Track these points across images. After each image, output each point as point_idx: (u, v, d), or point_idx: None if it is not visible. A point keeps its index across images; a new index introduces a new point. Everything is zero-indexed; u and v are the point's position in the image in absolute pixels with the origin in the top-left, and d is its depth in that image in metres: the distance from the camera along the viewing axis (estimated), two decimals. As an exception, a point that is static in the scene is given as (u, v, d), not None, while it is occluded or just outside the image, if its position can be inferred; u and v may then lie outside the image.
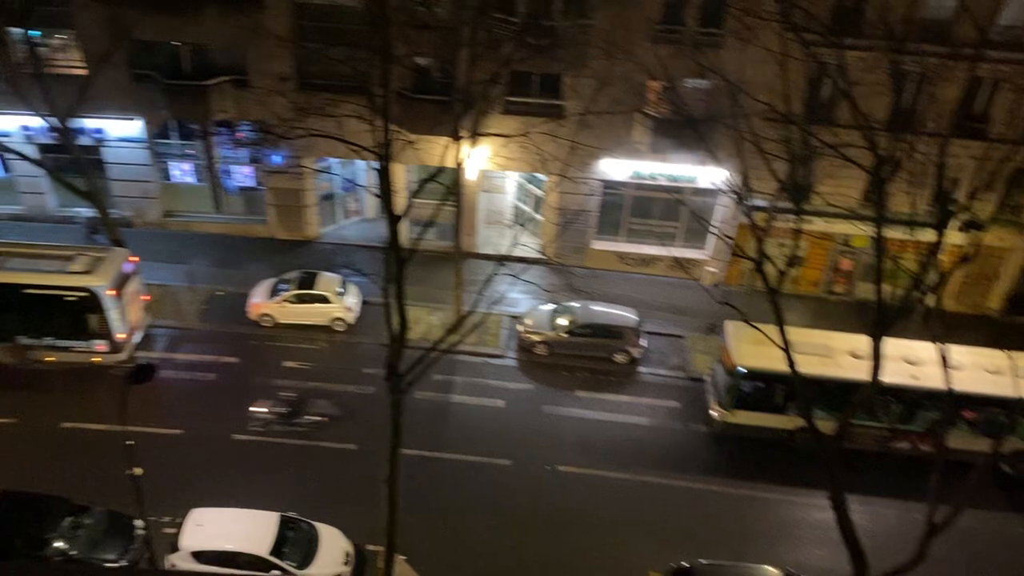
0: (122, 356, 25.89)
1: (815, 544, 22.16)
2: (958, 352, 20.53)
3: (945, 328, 14.82)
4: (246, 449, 23.64)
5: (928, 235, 15.24)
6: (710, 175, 20.75)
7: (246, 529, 19.91)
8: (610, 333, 27.80)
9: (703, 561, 20.19)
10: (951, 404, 15.78)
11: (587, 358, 27.88)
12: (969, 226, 18.31)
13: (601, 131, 27.35)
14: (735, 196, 17.34)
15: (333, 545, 20.30)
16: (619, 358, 27.90)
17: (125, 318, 25.71)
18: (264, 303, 28.31)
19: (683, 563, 20.16)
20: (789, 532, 22.70)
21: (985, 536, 22.46)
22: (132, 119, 30.34)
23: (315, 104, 21.13)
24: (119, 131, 30.62)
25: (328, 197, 33.64)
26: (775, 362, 17.44)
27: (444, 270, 28.60)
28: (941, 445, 15.25)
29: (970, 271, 29.18)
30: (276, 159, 30.64)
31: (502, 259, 16.21)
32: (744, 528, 22.51)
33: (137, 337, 26.83)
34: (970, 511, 15.70)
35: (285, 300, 28.18)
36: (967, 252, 15.44)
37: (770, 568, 20.22)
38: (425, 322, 28.55)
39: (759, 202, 22.85)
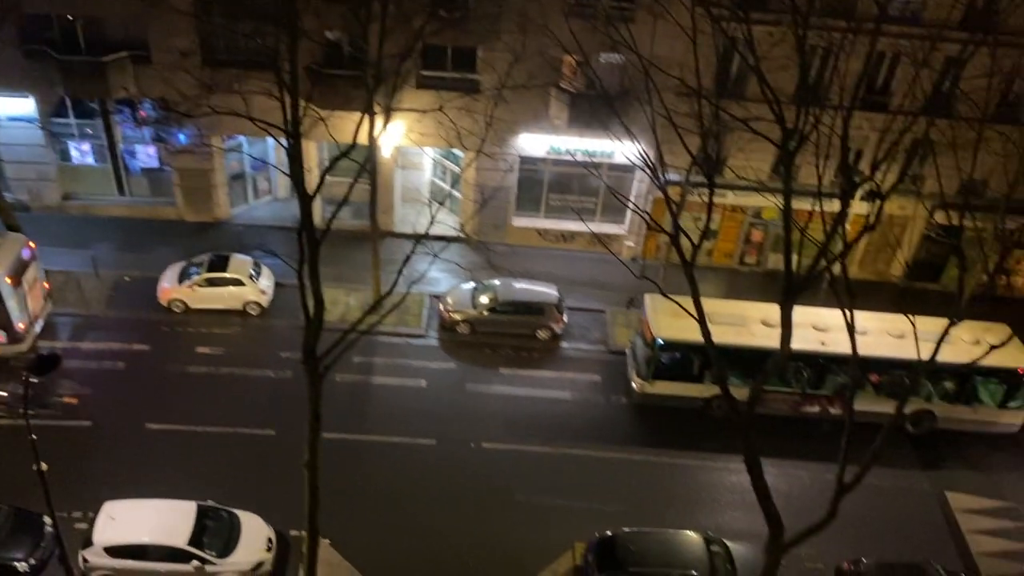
0: (23, 347, 24.76)
1: (733, 507, 22.85)
2: (863, 318, 21.32)
3: (851, 295, 15.30)
4: (161, 439, 22.93)
5: (834, 206, 15.69)
6: (626, 150, 20.93)
7: (162, 520, 19.40)
8: (532, 310, 27.90)
9: (625, 529, 20.59)
10: (858, 368, 16.35)
11: (510, 335, 27.93)
12: (872, 196, 18.94)
13: (517, 106, 27.26)
14: (650, 171, 17.47)
15: (255, 532, 19.96)
16: (541, 334, 28.05)
17: (24, 307, 24.54)
18: (174, 288, 27.38)
19: (607, 532, 20.51)
20: (708, 497, 23.33)
21: (892, 493, 23.57)
22: (24, 97, 28.73)
23: (221, 80, 20.44)
24: (10, 110, 28.96)
25: (238, 177, 32.66)
26: (692, 333, 17.77)
27: (361, 250, 28.23)
28: (849, 408, 15.81)
29: (873, 239, 30.31)
30: (181, 138, 29.52)
31: (420, 237, 15.98)
32: (665, 495, 23.03)
33: (38, 326, 25.65)
34: (877, 470, 16.37)
35: (196, 284, 27.30)
36: (870, 221, 15.91)
37: (690, 533, 20.77)
38: (343, 303, 28.11)
39: (674, 176, 23.19)
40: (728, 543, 20.75)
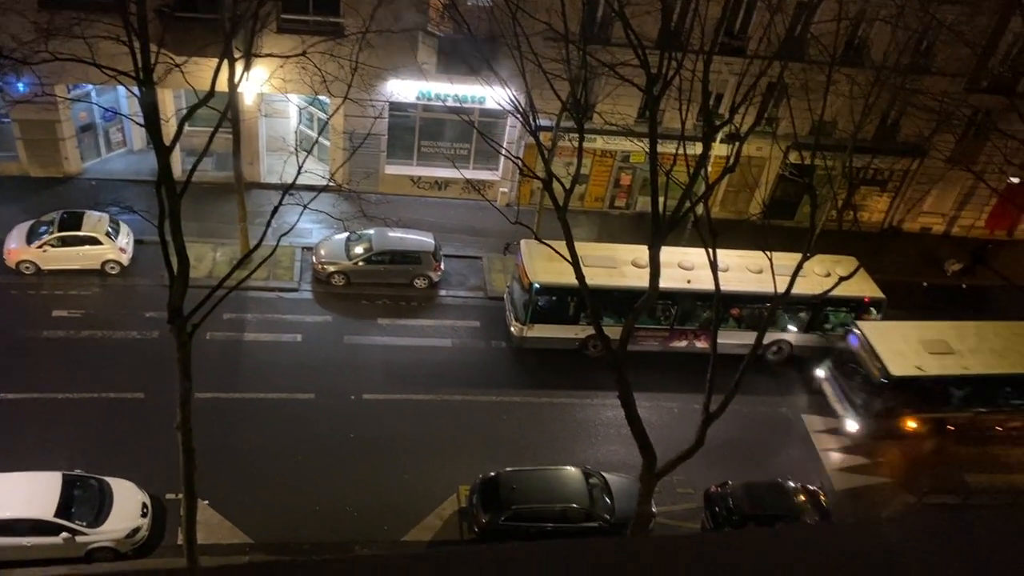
0: None
1: (609, 441, 23.81)
2: (725, 256, 22.39)
3: (713, 234, 16.02)
4: (19, 409, 21.63)
5: (696, 148, 16.27)
6: (497, 96, 20.90)
7: (24, 493, 18.50)
8: (408, 259, 27.73)
9: (508, 469, 21.12)
10: (720, 304, 17.20)
11: (386, 285, 27.72)
12: (731, 138, 19.74)
13: (384, 51, 26.58)
14: (521, 117, 17.54)
15: (128, 499, 19.33)
16: (419, 283, 27.97)
17: None
18: (22, 248, 25.58)
19: (489, 473, 20.98)
20: (586, 433, 24.20)
21: (756, 419, 25.13)
22: None
23: (60, 24, 18.94)
24: None
25: (88, 128, 30.59)
26: (566, 276, 18.19)
27: (226, 202, 27.17)
28: (713, 341, 16.67)
29: (733, 180, 31.67)
30: (19, 87, 27.27)
31: (289, 188, 15.52)
32: (546, 434, 23.72)
33: None
34: (741, 398, 17.41)
35: (47, 244, 25.60)
36: (730, 163, 16.61)
37: (570, 468, 21.53)
38: (209, 259, 27.08)
39: (544, 122, 23.36)
40: (606, 475, 21.65)
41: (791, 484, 22.08)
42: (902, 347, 24.40)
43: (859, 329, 25.05)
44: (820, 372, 26.48)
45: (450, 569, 2.27)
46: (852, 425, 24.76)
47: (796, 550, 2.41)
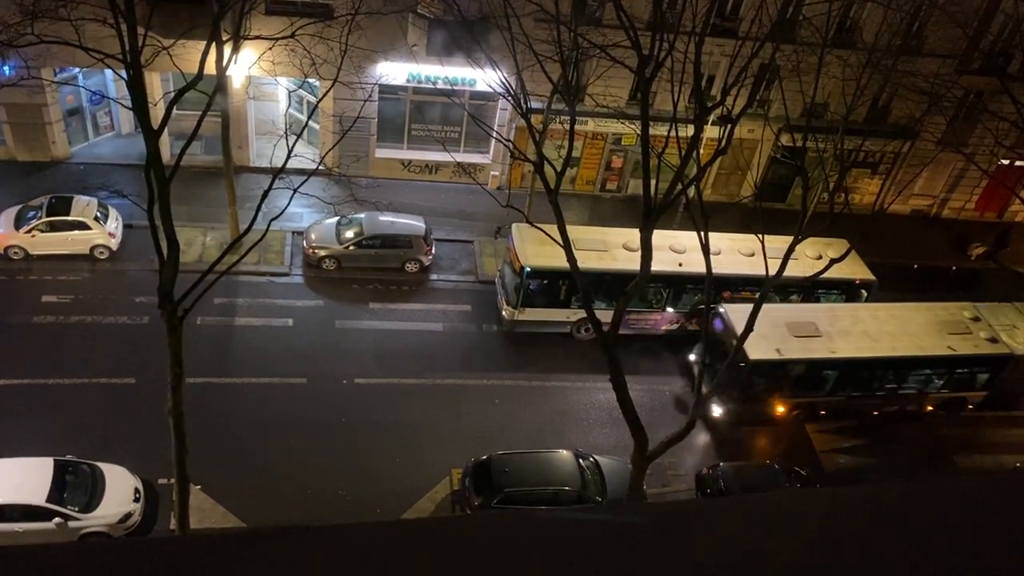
0: None
1: (601, 424, 23.87)
2: (717, 239, 22.40)
3: (705, 217, 16.01)
4: (9, 395, 21.53)
5: (688, 131, 16.23)
6: (487, 78, 20.77)
7: (16, 479, 18.46)
8: (399, 243, 27.65)
9: (500, 452, 21.17)
10: (712, 286, 17.22)
11: (377, 269, 27.65)
12: (723, 120, 19.69)
13: (374, 33, 26.37)
14: (512, 99, 17.46)
15: (120, 484, 19.31)
16: (410, 267, 27.91)
17: None
18: (10, 234, 25.39)
19: (482, 457, 21.03)
20: (577, 416, 24.25)
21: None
22: None
23: (46, 5, 18.70)
24: None
25: (75, 112, 30.31)
26: (558, 260, 18.17)
27: (216, 187, 27.01)
28: (705, 324, 16.71)
29: (725, 163, 31.65)
30: (5, 70, 26.97)
31: (279, 172, 15.45)
32: (538, 417, 23.78)
33: None
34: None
35: (35, 229, 25.41)
36: (722, 145, 16.59)
37: (562, 451, 21.60)
38: (199, 243, 26.94)
39: (535, 104, 23.25)
40: (598, 457, 21.74)
41: (776, 465, 22.24)
42: (767, 330, 22.67)
43: (723, 311, 24.07)
44: (691, 355, 25.38)
45: (447, 536, 2.26)
46: (716, 410, 23.80)
47: (787, 514, 2.41)
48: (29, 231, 25.38)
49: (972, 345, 24.80)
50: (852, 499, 2.57)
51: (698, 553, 2.23)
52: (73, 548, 2.14)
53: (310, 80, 25.83)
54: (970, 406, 25.98)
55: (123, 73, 13.86)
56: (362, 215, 27.56)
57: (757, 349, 22.32)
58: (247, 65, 27.28)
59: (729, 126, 16.39)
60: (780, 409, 24.32)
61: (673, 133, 15.51)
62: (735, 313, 23.49)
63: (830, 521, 2.37)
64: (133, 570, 2.05)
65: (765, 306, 20.12)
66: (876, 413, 25.18)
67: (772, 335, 23.15)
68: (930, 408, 25.68)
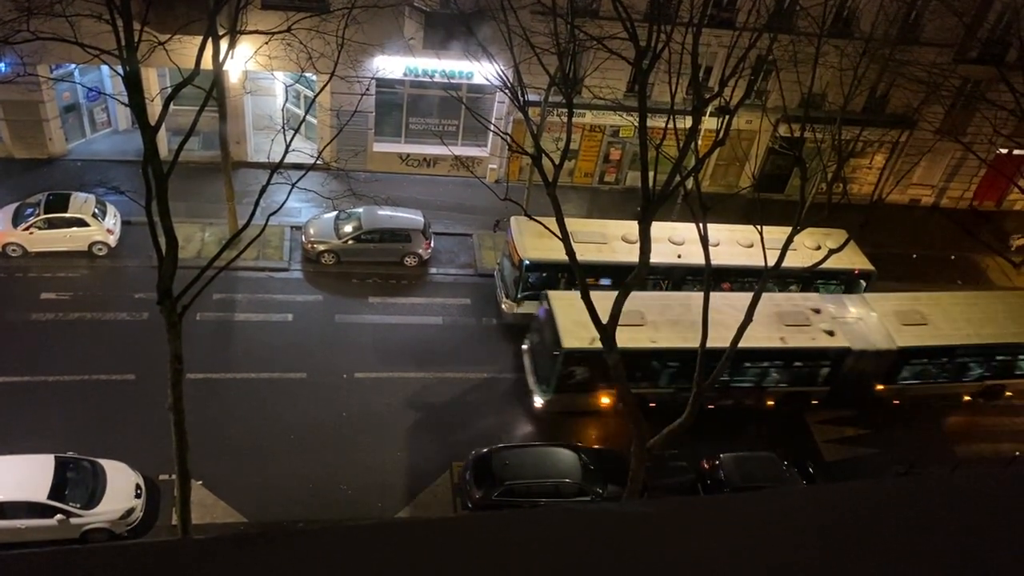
0: None
1: (600, 416, 23.85)
2: (716, 230, 22.40)
3: (704, 209, 16.01)
4: (9, 392, 21.55)
5: (686, 122, 16.21)
6: (485, 71, 20.77)
7: (18, 476, 18.49)
8: (398, 236, 27.64)
9: (500, 445, 21.22)
10: (711, 278, 17.21)
11: (376, 263, 27.64)
12: (721, 111, 19.67)
13: (370, 26, 26.29)
14: (509, 92, 17.43)
15: (121, 480, 19.34)
16: (409, 261, 27.90)
17: None
18: (8, 231, 25.36)
19: (482, 450, 21.07)
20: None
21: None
22: None
23: (40, 2, 18.65)
24: None
25: (72, 109, 30.24)
26: (556, 252, 18.16)
27: (214, 182, 26.97)
28: (704, 315, 16.70)
29: (723, 154, 31.61)
30: (1, 67, 26.92)
31: (277, 167, 15.43)
32: (537, 410, 23.70)
33: None
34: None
35: (33, 226, 25.39)
36: (720, 136, 16.57)
37: (562, 444, 21.65)
38: (198, 239, 26.92)
39: (533, 97, 23.21)
40: (598, 449, 21.78)
41: (777, 456, 22.27)
42: (587, 318, 22.20)
43: (548, 299, 23.21)
44: (524, 344, 24.73)
45: (447, 534, 2.26)
46: (537, 400, 23.03)
47: (786, 511, 2.42)
48: (27, 228, 25.36)
49: (808, 338, 23.53)
50: (849, 495, 2.58)
51: (696, 549, 2.24)
52: (53, 554, 2.13)
53: (307, 75, 25.78)
54: (814, 402, 24.66)
55: (119, 69, 13.82)
56: (360, 209, 27.54)
57: (572, 337, 21.57)
58: (244, 60, 27.27)
59: (727, 117, 16.37)
60: (604, 400, 23.16)
61: (671, 125, 15.48)
62: (558, 301, 22.80)
63: (827, 517, 2.38)
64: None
65: (601, 294, 19.38)
66: (711, 407, 23.58)
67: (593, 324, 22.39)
68: (771, 403, 24.48)
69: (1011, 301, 26.88)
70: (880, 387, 25.01)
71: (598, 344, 20.80)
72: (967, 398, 26.18)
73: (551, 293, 23.55)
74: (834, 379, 24.20)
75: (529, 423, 23.48)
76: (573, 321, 21.62)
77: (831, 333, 23.69)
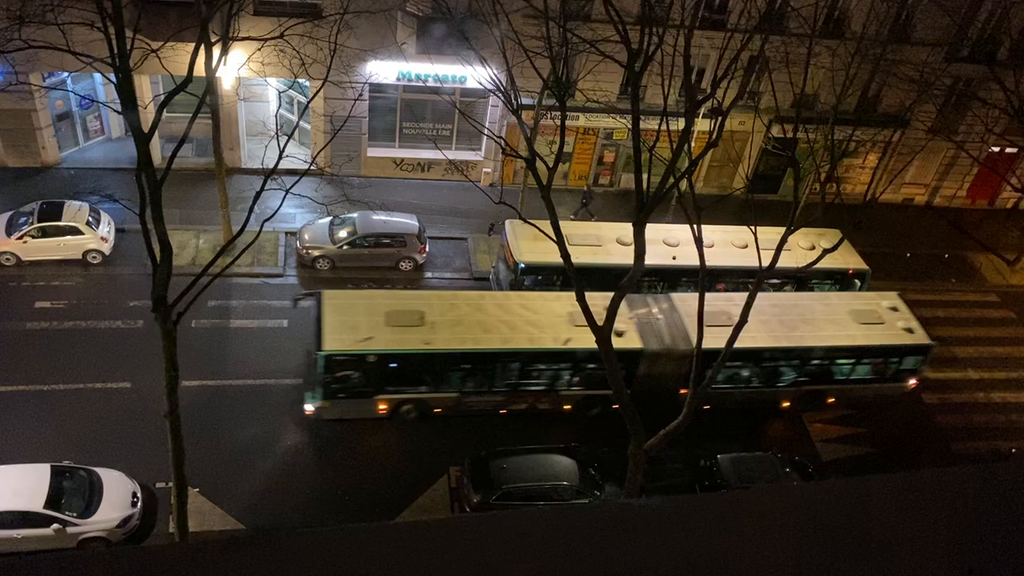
0: None
1: (597, 417, 23.85)
2: (710, 231, 22.41)
3: (698, 210, 16.04)
4: (4, 401, 21.46)
5: (679, 124, 16.25)
6: (478, 75, 20.83)
7: (13, 485, 18.41)
8: (393, 241, 27.64)
9: (498, 449, 21.19)
10: (706, 279, 17.23)
11: (372, 268, 27.62)
12: (714, 113, 19.73)
13: (363, 32, 26.38)
14: (502, 96, 17.46)
15: (118, 488, 19.28)
16: (404, 265, 27.90)
17: None
18: (1, 240, 25.30)
19: (480, 453, 21.05)
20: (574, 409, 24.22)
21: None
22: None
23: (33, 10, 18.64)
24: None
25: (64, 117, 30.20)
26: (552, 255, 18.17)
27: (208, 189, 26.95)
28: (700, 315, 16.72)
29: (716, 155, 31.68)
30: (-7, 76, 26.87)
31: (270, 173, 15.43)
32: (534, 413, 23.67)
33: None
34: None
35: (27, 235, 25.33)
36: (713, 137, 16.61)
37: (559, 446, 21.61)
38: (192, 246, 26.90)
39: (526, 100, 23.24)
40: (595, 451, 21.75)
41: (773, 455, 22.29)
42: (359, 319, 21.30)
43: (319, 299, 21.97)
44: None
45: (446, 537, 2.27)
46: (307, 406, 21.63)
47: (781, 509, 2.43)
48: (20, 237, 25.30)
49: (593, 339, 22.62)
50: (845, 491, 2.59)
51: (691, 548, 2.25)
52: (47, 560, 2.12)
53: (300, 80, 25.81)
54: (615, 406, 22.64)
55: (112, 77, 13.82)
56: (355, 214, 27.55)
57: (335, 339, 20.54)
58: (237, 66, 27.28)
59: (720, 118, 16.40)
60: (382, 406, 22.02)
61: (664, 127, 15.52)
62: (330, 301, 21.60)
63: (824, 513, 2.40)
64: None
65: (367, 292, 18.66)
66: (503, 412, 22.94)
67: (364, 325, 21.16)
68: (568, 407, 23.30)
69: (833, 302, 24.99)
70: (684, 391, 22.87)
71: (363, 347, 20.58)
72: (786, 404, 24.61)
73: (325, 293, 22.25)
74: (632, 381, 22.43)
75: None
76: (340, 322, 20.66)
77: (619, 334, 21.76)
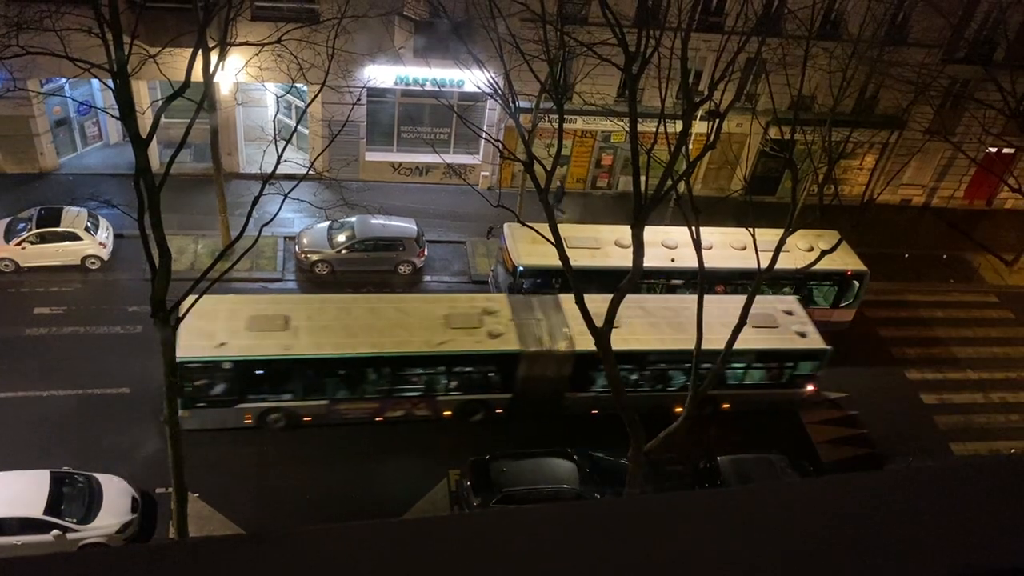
0: None
1: (597, 422, 23.83)
2: (708, 233, 22.42)
3: (696, 212, 16.05)
4: (4, 407, 21.45)
5: (677, 126, 16.28)
6: (475, 78, 20.86)
7: (13, 492, 18.38)
8: (391, 245, 27.66)
9: (498, 453, 21.17)
10: (705, 281, 17.24)
11: (370, 272, 27.63)
12: (711, 115, 19.75)
13: (360, 36, 26.40)
14: (500, 99, 17.49)
15: (117, 494, 19.25)
16: (403, 269, 27.91)
17: None
18: (0, 246, 25.28)
19: (480, 458, 21.02)
20: (574, 414, 24.20)
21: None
22: None
23: (30, 17, 18.66)
24: None
25: (63, 123, 30.22)
26: (550, 258, 18.18)
27: (206, 194, 26.95)
28: (699, 317, 16.73)
29: (714, 157, 31.73)
30: (-9, 82, 26.88)
31: (269, 177, 15.45)
32: (534, 417, 23.65)
33: None
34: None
35: (25, 241, 25.33)
36: (711, 140, 16.63)
37: (559, 449, 21.58)
38: (191, 251, 26.90)
39: (524, 104, 23.28)
40: (595, 454, 21.74)
41: (773, 457, 22.28)
42: (224, 323, 20.61)
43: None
44: None
45: (447, 534, 2.28)
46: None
47: (781, 505, 2.45)
48: (19, 243, 25.30)
49: (474, 341, 21.64)
50: (841, 488, 2.60)
51: (695, 545, 2.26)
52: (46, 560, 2.13)
53: (298, 85, 25.84)
54: (498, 411, 22.77)
55: (110, 83, 13.84)
56: (353, 219, 27.55)
57: (189, 346, 19.36)
58: (234, 71, 27.28)
59: (717, 120, 16.43)
60: (247, 416, 21.28)
61: (662, 129, 15.54)
62: (202, 304, 19.25)
63: (822, 509, 2.41)
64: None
65: (232, 297, 17.86)
66: (380, 420, 22.31)
67: (226, 329, 20.45)
68: (448, 413, 22.63)
69: (727, 305, 22.36)
70: (571, 395, 23.05)
71: (219, 353, 19.75)
72: (679, 409, 22.55)
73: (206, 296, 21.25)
74: (514, 385, 22.24)
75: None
76: (198, 328, 19.30)
77: (495, 336, 21.71)
